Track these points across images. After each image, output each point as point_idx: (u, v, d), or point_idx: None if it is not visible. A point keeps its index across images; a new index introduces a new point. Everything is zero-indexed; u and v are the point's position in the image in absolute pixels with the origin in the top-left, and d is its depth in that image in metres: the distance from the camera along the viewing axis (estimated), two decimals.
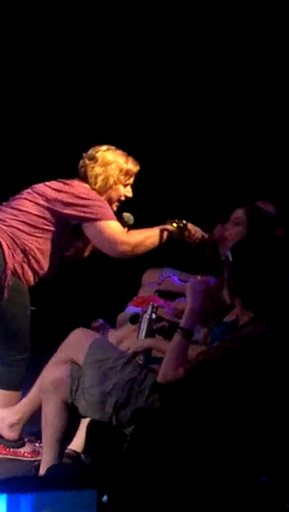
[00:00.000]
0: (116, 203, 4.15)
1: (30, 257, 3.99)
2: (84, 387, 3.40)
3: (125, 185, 4.14)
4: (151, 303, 3.70)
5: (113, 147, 4.13)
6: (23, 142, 5.85)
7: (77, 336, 3.60)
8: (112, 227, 4.01)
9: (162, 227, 4.15)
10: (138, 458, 3.13)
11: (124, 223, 4.21)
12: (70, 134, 5.68)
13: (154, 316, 3.72)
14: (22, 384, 4.07)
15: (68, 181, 4.10)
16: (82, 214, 3.99)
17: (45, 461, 3.48)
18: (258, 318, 3.10)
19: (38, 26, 5.80)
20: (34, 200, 4.03)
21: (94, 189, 4.07)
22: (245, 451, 3.00)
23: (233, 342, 3.10)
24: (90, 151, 4.13)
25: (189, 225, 4.22)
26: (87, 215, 3.99)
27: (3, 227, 3.97)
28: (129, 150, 4.22)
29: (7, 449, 3.89)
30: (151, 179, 5.22)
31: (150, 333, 3.70)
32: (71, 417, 3.53)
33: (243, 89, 5.91)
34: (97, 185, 4.06)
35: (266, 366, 3.04)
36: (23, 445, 3.90)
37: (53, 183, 4.09)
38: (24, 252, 3.98)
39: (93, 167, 4.07)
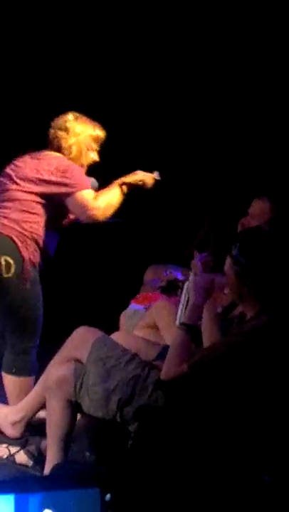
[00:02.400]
0: (85, 168, 4.25)
1: (41, 242, 4.07)
2: (88, 385, 3.41)
3: (94, 151, 4.25)
4: (194, 271, 3.60)
5: (78, 114, 4.22)
6: None
7: (80, 334, 3.61)
8: (84, 194, 4.07)
9: (119, 181, 4.20)
10: (142, 455, 3.13)
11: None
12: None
13: None
14: (34, 369, 4.10)
15: (41, 155, 4.16)
16: (62, 190, 4.05)
17: (50, 460, 3.47)
18: (263, 313, 3.10)
19: (37, 27, 5.80)
20: (21, 189, 4.07)
21: (68, 158, 4.15)
22: (249, 448, 3.00)
23: (236, 337, 3.10)
24: (60, 122, 4.20)
25: (141, 174, 4.25)
26: (64, 189, 4.05)
27: (7, 223, 4.03)
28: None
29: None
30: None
31: None
32: (76, 415, 3.54)
33: (238, 89, 5.92)
34: (72, 155, 4.17)
35: (270, 360, 3.05)
36: (25, 443, 3.90)
37: (29, 162, 4.12)
38: (34, 239, 4.05)
39: (66, 138, 4.16)
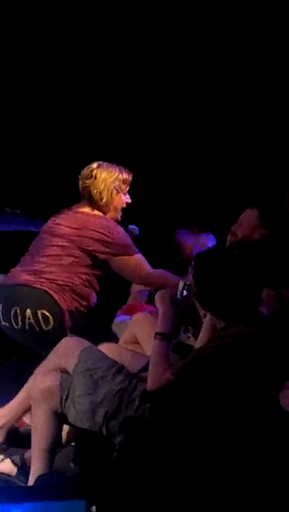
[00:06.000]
0: (120, 212, 4.34)
1: (79, 291, 4.16)
2: (74, 397, 3.38)
3: (124, 193, 4.32)
4: (182, 281, 3.67)
5: (101, 162, 4.31)
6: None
7: (67, 344, 3.59)
8: (133, 262, 4.22)
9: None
10: (127, 467, 3.11)
11: (130, 235, 4.40)
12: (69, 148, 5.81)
13: (185, 293, 3.65)
14: None
15: (80, 211, 4.26)
16: (103, 250, 4.17)
17: (34, 471, 3.45)
18: (231, 326, 3.15)
19: (38, 30, 5.82)
20: (59, 244, 4.18)
21: (101, 205, 4.25)
22: (240, 456, 2.99)
23: (220, 339, 3.14)
24: (85, 172, 4.30)
25: None
26: (108, 250, 4.17)
27: (43, 279, 4.11)
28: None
29: None
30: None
31: (184, 311, 3.62)
32: (61, 426, 3.52)
33: (231, 99, 5.94)
34: (104, 200, 4.25)
35: (257, 361, 3.08)
36: (5, 449, 3.88)
37: (67, 221, 4.22)
38: (72, 290, 4.14)
39: (95, 185, 4.25)
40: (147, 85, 5.98)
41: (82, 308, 4.18)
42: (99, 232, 4.15)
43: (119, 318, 4.55)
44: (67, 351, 3.54)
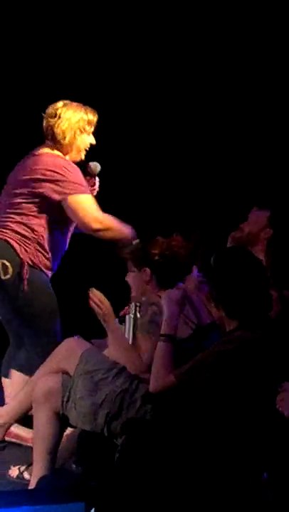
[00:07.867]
0: (84, 152, 4.28)
1: (44, 243, 4.11)
2: (75, 399, 3.39)
3: (88, 134, 4.27)
4: (134, 302, 3.70)
5: (67, 101, 4.25)
6: None
7: (68, 346, 3.60)
8: (85, 201, 4.11)
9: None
10: (128, 469, 3.12)
11: (90, 172, 4.36)
12: None
13: (138, 315, 3.71)
14: None
15: (37, 152, 4.19)
16: (55, 189, 4.07)
17: (36, 472, 3.46)
18: (243, 327, 3.14)
19: (37, 25, 5.81)
20: (15, 192, 4.11)
21: (63, 144, 4.18)
22: (242, 456, 2.99)
23: (224, 345, 3.12)
24: (50, 110, 4.23)
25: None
26: (60, 189, 4.07)
27: (6, 230, 4.08)
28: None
29: None
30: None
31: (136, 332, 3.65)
32: (63, 427, 3.53)
33: (235, 100, 5.93)
34: (67, 139, 4.19)
35: (259, 367, 3.07)
36: (4, 448, 3.91)
37: (21, 165, 4.17)
38: (36, 241, 4.10)
39: (58, 124, 4.19)
40: (145, 81, 5.97)
41: (47, 263, 4.13)
42: (49, 170, 4.07)
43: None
44: (69, 353, 3.55)
